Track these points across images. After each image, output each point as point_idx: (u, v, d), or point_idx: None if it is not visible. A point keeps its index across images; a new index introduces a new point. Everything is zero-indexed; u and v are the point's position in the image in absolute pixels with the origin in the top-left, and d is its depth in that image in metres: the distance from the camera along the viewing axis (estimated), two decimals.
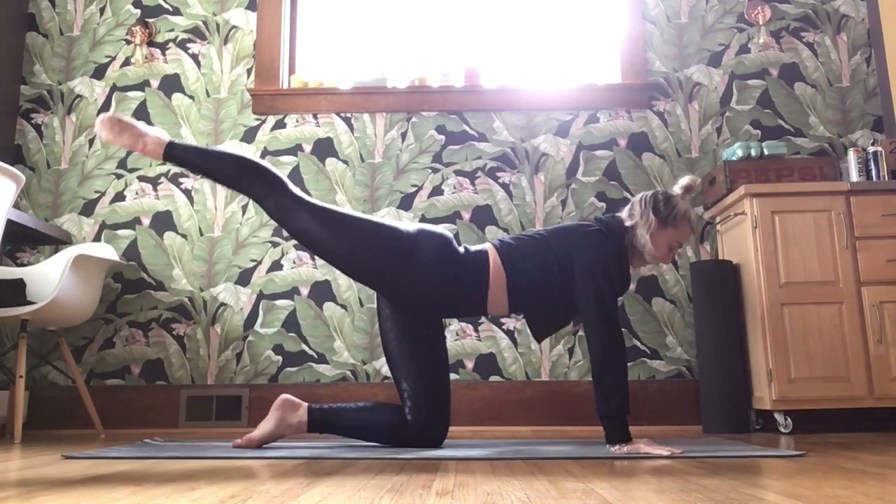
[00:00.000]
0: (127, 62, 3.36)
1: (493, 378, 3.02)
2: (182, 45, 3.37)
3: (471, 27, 3.48)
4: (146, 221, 3.20)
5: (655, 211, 2.07)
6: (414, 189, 3.20)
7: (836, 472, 1.44)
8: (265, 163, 2.09)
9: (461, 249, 2.05)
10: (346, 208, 2.06)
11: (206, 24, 3.39)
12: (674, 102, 3.26)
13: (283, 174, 2.05)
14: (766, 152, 2.86)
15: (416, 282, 1.98)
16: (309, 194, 3.18)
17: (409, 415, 2.03)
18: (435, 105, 3.26)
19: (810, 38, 3.31)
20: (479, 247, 2.08)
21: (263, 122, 3.28)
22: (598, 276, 1.95)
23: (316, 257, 3.14)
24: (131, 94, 3.32)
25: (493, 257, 2.04)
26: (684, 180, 2.14)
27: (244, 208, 3.20)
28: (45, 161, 3.27)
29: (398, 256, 1.97)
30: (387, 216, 3.16)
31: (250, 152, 3.25)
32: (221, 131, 3.28)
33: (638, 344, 3.04)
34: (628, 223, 2.10)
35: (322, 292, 3.11)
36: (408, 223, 2.09)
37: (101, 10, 3.41)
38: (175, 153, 2.02)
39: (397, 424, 2.03)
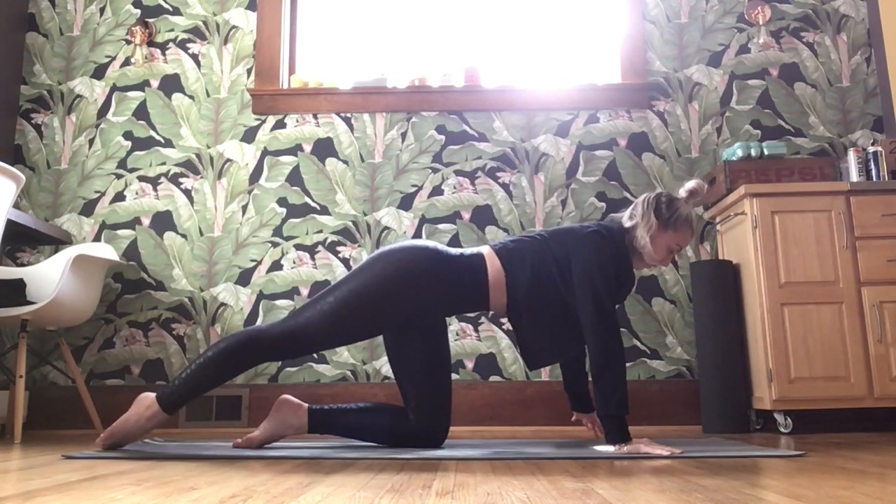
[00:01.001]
0: (127, 62, 3.36)
1: (493, 378, 3.02)
2: (182, 45, 3.37)
3: (471, 27, 3.48)
4: (146, 221, 3.20)
5: (657, 213, 2.07)
6: (414, 189, 3.20)
7: (836, 472, 1.44)
8: (229, 339, 1.95)
9: (455, 253, 2.05)
10: (325, 294, 1.92)
11: (206, 24, 3.39)
12: (674, 102, 3.26)
13: (247, 333, 1.94)
14: (766, 152, 2.86)
15: (415, 304, 1.98)
16: (309, 195, 3.18)
17: (410, 414, 2.03)
18: (435, 105, 3.26)
19: (810, 38, 3.31)
20: (474, 249, 2.08)
21: (263, 122, 3.28)
22: (594, 276, 1.95)
23: (316, 258, 3.14)
24: (131, 94, 3.32)
25: (491, 258, 2.04)
26: (690, 184, 2.11)
27: (244, 208, 3.20)
28: (45, 161, 3.27)
29: (394, 298, 1.95)
30: (387, 216, 3.16)
31: (251, 153, 3.24)
32: (221, 131, 3.28)
33: (638, 344, 3.04)
34: (628, 224, 2.10)
35: (321, 291, 3.10)
36: (390, 246, 2.02)
37: (101, 10, 3.41)
38: (167, 405, 1.91)
39: (397, 425, 2.03)
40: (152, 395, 1.95)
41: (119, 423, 1.92)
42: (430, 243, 2.05)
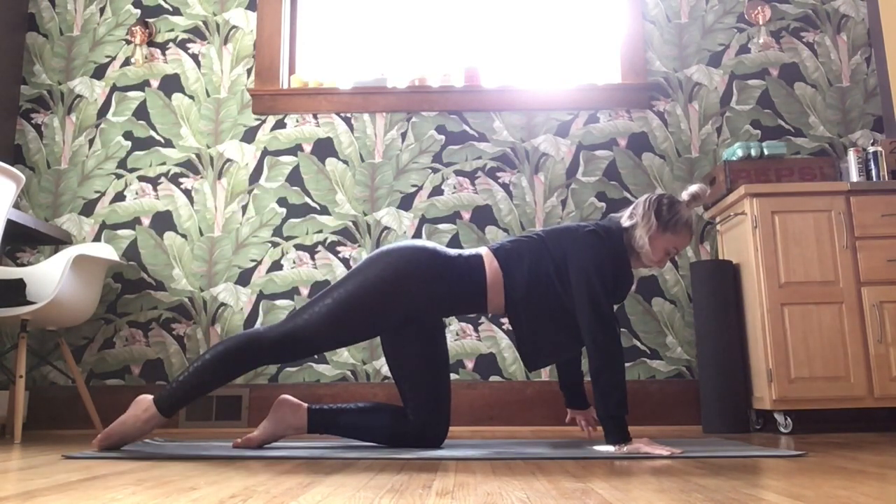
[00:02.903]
0: (127, 62, 3.36)
1: (493, 378, 3.02)
2: (182, 45, 3.37)
3: (471, 27, 3.48)
4: (146, 221, 3.20)
5: (658, 214, 2.06)
6: (414, 189, 3.20)
7: (836, 472, 1.44)
8: (228, 342, 1.95)
9: (454, 254, 2.05)
10: (325, 294, 1.93)
11: (206, 24, 3.39)
12: (674, 102, 3.26)
13: (248, 335, 1.95)
14: (766, 152, 2.86)
15: (414, 305, 1.98)
16: (309, 195, 3.18)
17: (410, 414, 2.03)
18: (435, 105, 3.26)
19: (810, 38, 3.31)
20: (472, 251, 2.08)
21: (263, 122, 3.28)
22: (591, 274, 1.95)
23: (316, 258, 3.14)
24: (131, 94, 3.32)
25: (489, 259, 2.04)
26: (693, 189, 2.10)
27: (244, 208, 3.20)
28: (45, 161, 3.27)
29: (392, 299, 1.95)
30: (387, 216, 3.16)
31: (251, 153, 3.24)
32: (221, 131, 3.28)
33: (638, 344, 3.04)
34: (627, 223, 2.09)
35: (320, 292, 3.10)
36: (385, 254, 2.00)
37: (101, 10, 3.41)
38: (165, 406, 1.91)
39: (397, 425, 2.03)
40: (150, 397, 1.95)
41: (116, 425, 1.92)
42: (429, 244, 2.05)
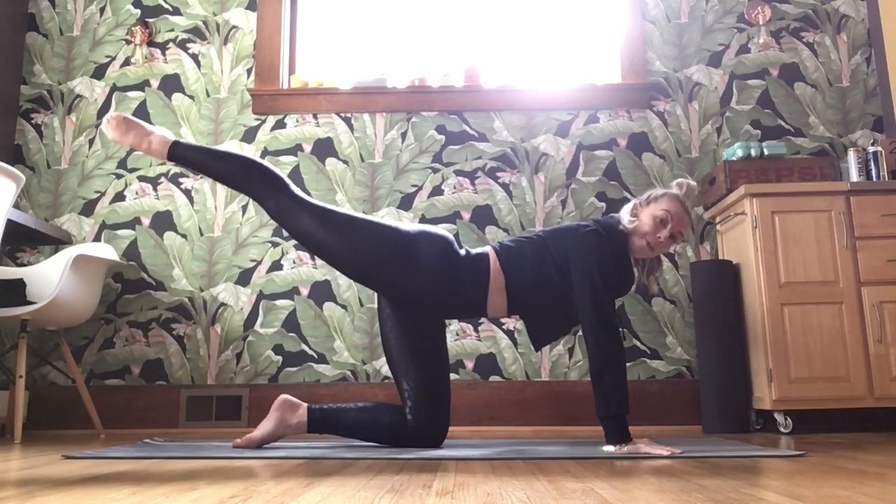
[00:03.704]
0: (127, 62, 3.36)
1: (493, 378, 3.02)
2: (182, 45, 3.37)
3: (471, 27, 3.48)
4: (146, 221, 3.20)
5: (641, 198, 2.15)
6: (414, 189, 3.20)
7: (836, 472, 1.44)
8: (266, 163, 2.11)
9: (462, 252, 2.05)
10: (346, 209, 2.07)
11: (206, 24, 3.39)
12: (674, 102, 3.26)
13: (284, 175, 2.06)
14: (766, 152, 2.86)
15: (416, 283, 1.98)
16: (309, 195, 3.18)
17: (410, 414, 2.03)
18: (435, 105, 3.26)
19: (810, 38, 3.31)
20: (479, 249, 2.09)
21: (263, 122, 3.28)
22: (593, 275, 1.95)
23: (316, 258, 3.14)
24: (131, 94, 3.32)
25: (493, 260, 2.04)
26: (680, 180, 2.18)
27: (244, 208, 3.20)
28: (45, 161, 3.27)
29: (399, 257, 1.97)
30: (387, 216, 3.16)
31: (250, 152, 3.25)
32: (221, 131, 3.28)
33: (638, 344, 3.04)
34: (622, 217, 2.12)
35: (322, 292, 3.11)
36: (409, 224, 2.09)
37: (101, 10, 3.41)
38: (179, 152, 2.03)
39: (397, 425, 2.03)
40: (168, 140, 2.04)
41: None
42: (449, 235, 2.07)
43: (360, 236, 1.98)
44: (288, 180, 2.06)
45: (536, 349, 2.09)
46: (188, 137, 3.27)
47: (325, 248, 1.99)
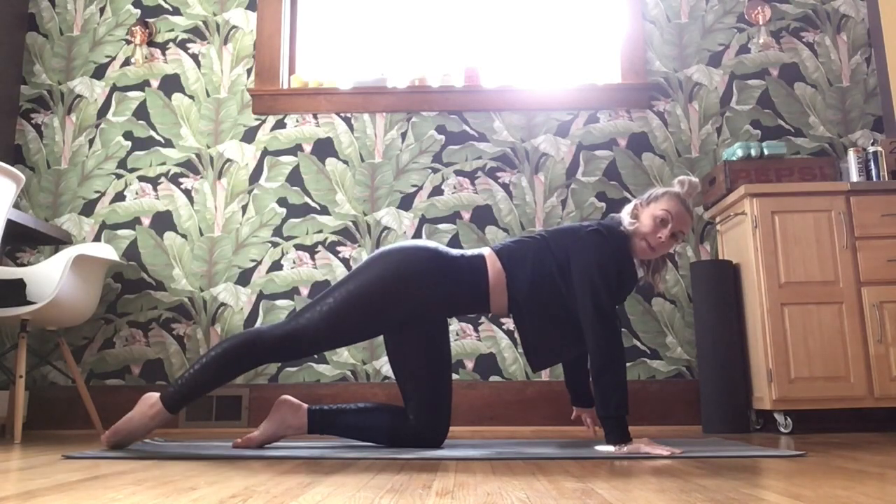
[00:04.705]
0: (127, 62, 3.36)
1: (493, 378, 3.02)
2: (182, 45, 3.37)
3: (471, 27, 3.48)
4: (146, 221, 3.20)
5: (641, 198, 2.13)
6: (414, 189, 3.20)
7: (836, 472, 1.44)
8: (232, 341, 1.97)
9: (456, 254, 2.05)
10: (325, 296, 1.96)
11: (206, 24, 3.39)
12: (674, 102, 3.26)
13: (248, 333, 1.96)
14: (766, 152, 2.86)
15: (418, 299, 1.98)
16: (309, 195, 3.18)
17: (410, 414, 2.03)
18: (435, 105, 3.26)
19: (810, 38, 3.31)
20: (474, 251, 2.09)
21: (263, 122, 3.28)
22: (593, 274, 1.95)
23: (316, 258, 3.14)
24: (131, 94, 3.32)
25: (492, 259, 2.04)
26: (681, 178, 2.15)
27: (244, 208, 3.20)
28: (45, 161, 3.27)
29: (391, 299, 1.96)
30: (387, 216, 3.16)
31: (251, 154, 3.24)
32: (221, 131, 3.28)
33: (638, 344, 3.04)
34: (622, 219, 2.11)
35: (321, 292, 3.10)
36: (388, 250, 2.02)
37: (101, 10, 3.41)
38: (171, 404, 1.94)
39: (397, 425, 2.03)
40: (156, 394, 1.97)
41: (123, 422, 1.94)
42: (431, 244, 2.05)
43: (344, 316, 1.95)
44: (252, 335, 1.95)
45: (534, 370, 2.04)
46: (188, 138, 3.27)
47: (330, 338, 1.97)
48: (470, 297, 2.02)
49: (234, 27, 3.38)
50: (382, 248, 2.06)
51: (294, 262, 3.14)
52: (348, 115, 3.28)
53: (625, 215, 2.10)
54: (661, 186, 2.18)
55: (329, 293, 2.00)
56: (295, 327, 1.97)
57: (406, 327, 2.06)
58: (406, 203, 3.18)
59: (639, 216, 2.08)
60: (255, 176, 3.22)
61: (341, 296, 1.97)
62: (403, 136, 3.25)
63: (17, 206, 3.22)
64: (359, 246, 3.15)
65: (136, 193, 3.23)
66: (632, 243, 2.07)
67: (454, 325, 3.07)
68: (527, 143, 3.23)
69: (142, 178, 3.24)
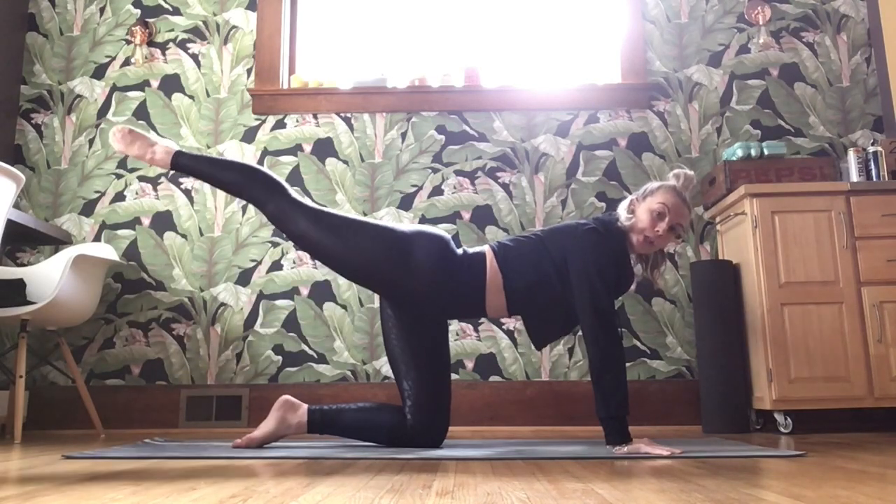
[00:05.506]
0: (127, 62, 3.36)
1: (493, 378, 3.02)
2: (182, 45, 3.37)
3: (471, 27, 3.48)
4: (146, 221, 3.20)
5: (636, 193, 2.13)
6: (414, 189, 3.20)
7: (836, 472, 1.44)
8: (266, 169, 2.15)
9: (459, 251, 2.05)
10: (344, 211, 2.08)
11: (206, 24, 3.39)
12: (674, 102, 3.26)
13: (282, 179, 2.08)
14: (766, 152, 2.86)
15: (413, 283, 1.98)
16: (309, 195, 3.18)
17: (409, 414, 2.03)
18: (435, 105, 3.26)
19: (810, 38, 3.31)
20: (477, 249, 2.08)
21: (263, 122, 3.28)
22: (592, 274, 1.95)
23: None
24: (131, 94, 3.32)
25: (490, 259, 2.04)
26: (676, 171, 2.14)
27: (244, 208, 3.20)
28: (45, 161, 3.27)
29: (396, 257, 1.97)
30: (387, 216, 3.17)
31: (250, 153, 3.25)
32: (221, 131, 3.28)
33: (638, 344, 3.04)
34: (619, 215, 2.10)
35: (322, 292, 3.11)
36: (407, 224, 2.09)
37: (101, 10, 3.41)
38: (182, 161, 2.06)
39: (397, 425, 2.03)
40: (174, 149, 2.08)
41: None
42: (446, 235, 2.06)
43: (357, 238, 1.98)
44: (286, 185, 2.08)
45: (538, 349, 2.09)
46: (188, 138, 3.27)
47: (322, 249, 2.00)
48: (466, 294, 2.02)
49: (234, 27, 3.38)
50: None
51: (294, 262, 3.14)
52: (348, 115, 3.28)
53: (621, 211, 2.09)
54: (657, 181, 2.16)
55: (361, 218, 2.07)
56: (314, 207, 2.04)
57: (405, 328, 2.06)
58: (406, 203, 3.18)
59: (635, 211, 2.07)
60: None
61: (368, 222, 2.04)
62: (403, 136, 3.25)
63: (17, 206, 3.22)
64: None
65: (136, 193, 3.23)
66: (629, 239, 2.07)
67: (454, 325, 3.07)
68: (527, 143, 3.23)
69: (142, 178, 3.24)
